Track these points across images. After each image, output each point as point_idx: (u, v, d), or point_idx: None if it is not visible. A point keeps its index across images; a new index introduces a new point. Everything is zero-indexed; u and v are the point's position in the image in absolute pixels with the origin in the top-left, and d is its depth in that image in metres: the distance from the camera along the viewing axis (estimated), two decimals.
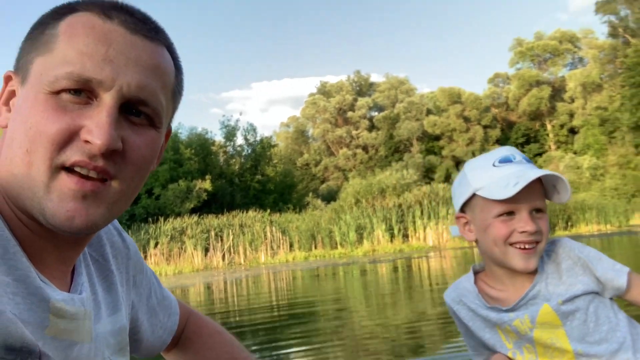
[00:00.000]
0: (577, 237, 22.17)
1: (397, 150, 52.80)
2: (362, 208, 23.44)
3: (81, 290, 0.79)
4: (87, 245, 0.85)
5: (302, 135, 59.10)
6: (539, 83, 50.92)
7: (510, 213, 1.32)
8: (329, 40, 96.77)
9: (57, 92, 0.70)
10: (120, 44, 0.72)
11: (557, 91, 51.21)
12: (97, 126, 0.69)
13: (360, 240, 22.20)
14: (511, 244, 1.32)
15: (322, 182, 52.04)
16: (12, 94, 0.75)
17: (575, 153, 43.58)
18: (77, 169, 0.70)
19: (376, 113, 57.14)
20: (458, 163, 51.39)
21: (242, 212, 24.97)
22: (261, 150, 31.97)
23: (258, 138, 32.79)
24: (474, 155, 42.56)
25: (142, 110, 0.75)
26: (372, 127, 55.39)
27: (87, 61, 0.70)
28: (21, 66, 0.74)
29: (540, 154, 48.93)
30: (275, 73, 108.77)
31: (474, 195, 1.37)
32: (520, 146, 50.06)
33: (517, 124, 52.13)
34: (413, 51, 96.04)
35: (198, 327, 1.17)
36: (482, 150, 49.85)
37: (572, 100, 49.15)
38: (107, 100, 0.70)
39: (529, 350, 1.37)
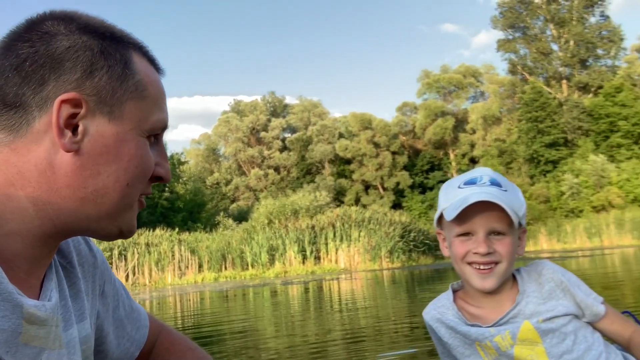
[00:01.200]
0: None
1: (309, 172, 53.19)
2: (275, 229, 23.27)
3: (50, 296, 0.80)
4: (55, 253, 0.87)
5: (213, 154, 58.17)
6: (443, 114, 53.32)
7: (468, 234, 1.37)
8: (243, 60, 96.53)
9: (147, 136, 0.83)
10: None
11: (460, 122, 53.86)
12: (166, 168, 0.88)
13: (272, 261, 21.98)
14: (469, 264, 1.37)
15: (233, 201, 51.32)
16: (73, 117, 0.76)
17: None
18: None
19: (289, 134, 57.41)
20: (367, 187, 52.55)
21: (149, 231, 24.06)
22: (170, 167, 31.00)
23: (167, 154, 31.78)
24: (382, 180, 43.59)
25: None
26: (284, 148, 55.52)
27: (165, 112, 0.87)
28: (104, 99, 0.78)
29: (443, 181, 50.52)
30: (185, 89, 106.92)
31: (441, 214, 1.43)
32: (425, 173, 52.11)
33: (422, 152, 54.17)
34: (327, 76, 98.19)
35: (170, 343, 1.15)
36: (390, 175, 51.34)
37: (474, 132, 51.83)
38: (162, 139, 0.89)
39: None
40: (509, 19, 49.77)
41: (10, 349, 0.67)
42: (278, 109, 60.24)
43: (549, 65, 48.44)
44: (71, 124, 0.76)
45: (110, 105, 0.78)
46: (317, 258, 22.28)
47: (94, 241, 1.04)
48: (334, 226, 22.32)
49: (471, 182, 1.40)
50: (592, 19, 47.93)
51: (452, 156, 53.68)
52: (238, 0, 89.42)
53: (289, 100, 62.39)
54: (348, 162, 52.91)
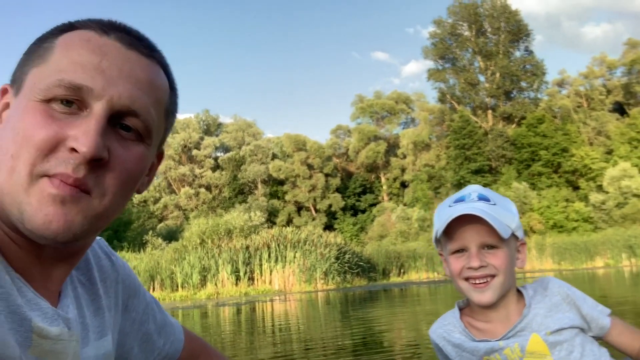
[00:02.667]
0: (408, 284, 23.61)
1: (241, 192, 52.65)
2: (208, 248, 22.74)
3: (67, 311, 0.78)
4: (74, 269, 0.85)
5: None
6: (376, 138, 54.44)
7: (462, 250, 1.38)
8: (178, 76, 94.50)
9: (48, 101, 0.70)
10: (115, 56, 0.73)
11: (392, 147, 55.13)
12: (84, 134, 0.68)
13: (203, 282, 21.44)
14: (465, 279, 1.38)
15: (160, 220, 49.85)
16: (6, 106, 0.75)
17: (405, 205, 46.82)
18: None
19: (222, 153, 56.74)
20: (300, 208, 52.56)
21: None
22: None
23: None
24: (315, 201, 43.60)
25: (131, 124, 0.74)
26: (217, 167, 54.77)
27: (79, 69, 0.70)
28: (16, 78, 0.75)
29: (374, 204, 51.88)
30: None
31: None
32: (357, 195, 52.77)
33: (355, 175, 54.93)
34: (262, 97, 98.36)
35: None
36: (323, 197, 51.62)
37: (404, 157, 53.16)
38: (97, 109, 0.70)
39: None
40: (439, 49, 51.79)
41: None
42: (211, 128, 59.52)
43: (476, 95, 50.66)
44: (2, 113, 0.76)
45: (19, 82, 0.74)
46: (251, 279, 21.93)
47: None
48: (269, 247, 22.06)
49: (460, 200, 1.43)
50: (517, 53, 50.78)
51: (383, 180, 54.73)
52: (173, 16, 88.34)
53: (223, 119, 61.83)
54: (281, 182, 52.84)
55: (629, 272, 24.01)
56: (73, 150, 0.68)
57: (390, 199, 52.97)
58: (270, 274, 21.56)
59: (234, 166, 53.16)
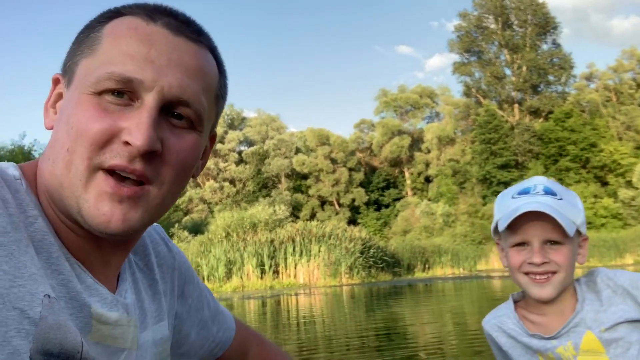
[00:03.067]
0: (433, 279, 23.47)
1: (265, 186, 52.85)
2: (233, 242, 22.86)
3: (125, 296, 0.80)
4: (132, 253, 0.87)
5: None
6: (400, 132, 54.12)
7: (524, 244, 1.36)
8: None
9: (100, 93, 0.69)
10: (163, 45, 0.72)
11: (416, 141, 54.76)
12: (137, 127, 0.68)
13: (229, 275, 21.58)
14: (525, 273, 1.36)
15: (186, 213, 50.37)
16: (60, 96, 0.75)
17: (429, 200, 46.54)
18: (116, 172, 0.69)
19: (246, 147, 57.01)
20: (323, 203, 52.59)
21: None
22: None
23: None
24: (338, 196, 43.63)
25: (183, 113, 0.73)
26: (240, 161, 55.06)
27: (128, 61, 0.69)
28: (67, 69, 0.74)
29: (398, 199, 51.66)
30: None
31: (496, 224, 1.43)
32: (381, 190, 52.59)
33: (379, 169, 54.73)
34: (285, 91, 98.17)
35: (264, 358, 1.15)
36: (346, 191, 51.56)
37: (429, 151, 52.75)
38: (148, 101, 0.70)
39: None
40: (465, 42, 51.18)
41: (83, 346, 0.67)
42: (235, 122, 59.81)
43: (502, 89, 49.97)
44: (56, 103, 0.76)
45: (70, 73, 0.73)
46: (276, 272, 22.02)
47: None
48: (293, 241, 22.09)
49: (524, 192, 1.40)
50: (545, 46, 49.93)
51: (407, 174, 54.43)
52: (197, 8, 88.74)
53: (247, 113, 62.05)
54: (305, 177, 52.89)
55: None
56: (127, 143, 0.68)
57: (414, 193, 52.68)
58: (295, 268, 21.61)
59: (257, 160, 53.38)
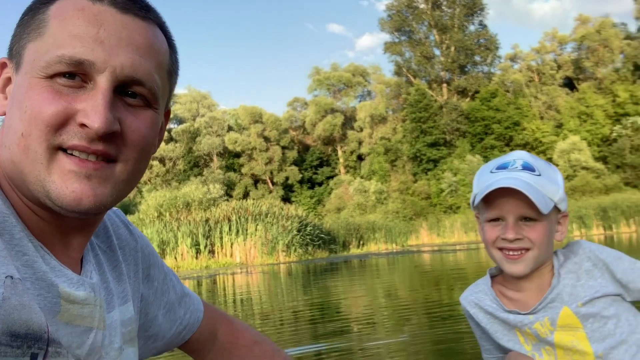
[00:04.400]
0: (368, 255, 23.89)
1: (196, 165, 51.81)
2: (166, 222, 22.29)
3: (91, 276, 0.79)
4: (94, 236, 0.88)
5: None
6: (333, 111, 54.33)
7: (499, 219, 1.35)
8: None
9: (51, 77, 0.69)
10: (111, 24, 0.70)
11: (349, 120, 55.18)
12: (92, 109, 0.68)
13: (162, 255, 21.05)
14: (499, 249, 1.36)
15: None
16: (8, 81, 0.74)
17: (362, 178, 47.16)
18: (76, 154, 0.69)
19: (176, 125, 55.53)
20: (257, 181, 52.22)
21: None
22: None
23: None
24: (272, 174, 43.35)
25: (137, 92, 0.73)
26: (170, 139, 53.61)
27: (77, 43, 0.68)
28: (14, 53, 0.73)
29: (331, 177, 52.08)
30: None
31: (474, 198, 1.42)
32: (314, 168, 52.80)
33: (312, 148, 54.85)
34: (217, 68, 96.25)
35: (234, 336, 1.13)
36: (280, 170, 51.41)
37: (361, 129, 53.31)
38: (101, 82, 0.69)
39: (549, 353, 1.37)
40: (396, 22, 51.73)
41: (50, 326, 0.67)
42: None
43: (431, 69, 51.05)
44: (5, 88, 0.75)
45: (18, 57, 0.72)
46: (212, 252, 21.68)
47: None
48: (229, 219, 21.79)
49: (503, 167, 1.39)
50: (472, 27, 51.24)
51: (340, 152, 54.87)
52: None
53: (177, 90, 60.19)
54: (237, 155, 52.26)
55: None
56: (83, 125, 0.68)
57: (347, 171, 53.22)
58: (232, 247, 21.35)
59: (188, 138, 52.16)
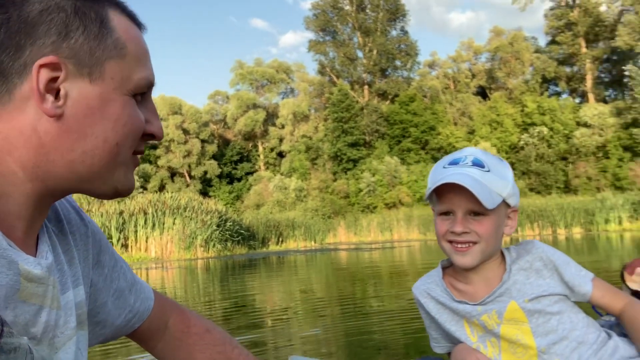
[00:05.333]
0: (287, 252, 24.03)
1: None
2: None
3: (46, 256, 0.81)
4: (47, 220, 0.89)
5: None
6: (255, 106, 53.98)
7: (449, 213, 1.41)
8: None
9: (134, 95, 0.83)
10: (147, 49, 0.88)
11: (271, 116, 55.04)
12: (155, 122, 0.87)
13: None
14: (449, 242, 1.41)
15: None
16: (54, 81, 0.75)
17: (282, 174, 47.25)
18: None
19: None
20: (173, 174, 51.01)
21: None
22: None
23: None
24: (189, 167, 42.33)
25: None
26: None
27: (149, 66, 0.86)
28: (83, 61, 0.77)
29: (251, 173, 51.80)
30: None
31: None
32: (234, 164, 52.30)
33: (232, 142, 54.28)
34: None
35: (185, 325, 1.15)
36: (199, 163, 50.52)
37: (283, 127, 53.31)
38: (148, 97, 0.87)
39: (493, 345, 1.42)
40: (321, 21, 52.18)
41: (9, 304, 0.69)
42: None
43: (354, 70, 51.89)
44: (53, 89, 0.75)
45: (90, 66, 0.77)
46: (125, 246, 20.94)
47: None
48: (145, 212, 21.15)
49: (454, 162, 1.44)
50: (394, 32, 52.55)
51: (260, 148, 54.65)
52: None
53: None
54: (154, 147, 50.78)
55: None
56: (152, 135, 0.86)
57: (267, 168, 53.12)
58: (147, 241, 20.74)
59: None
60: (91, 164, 0.79)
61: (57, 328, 0.79)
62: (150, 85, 0.84)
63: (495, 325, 1.40)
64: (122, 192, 0.84)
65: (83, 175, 0.79)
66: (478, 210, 1.37)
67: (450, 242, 1.41)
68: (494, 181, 1.38)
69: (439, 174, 1.43)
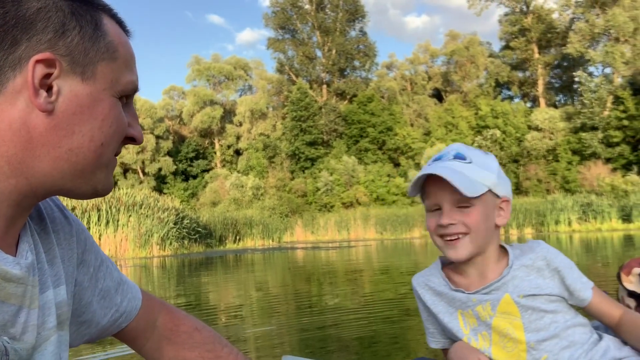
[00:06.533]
0: (244, 251, 23.93)
1: None
2: None
3: (26, 256, 0.81)
4: (29, 218, 0.88)
5: None
6: (212, 103, 53.42)
7: (437, 208, 1.42)
8: None
9: (120, 97, 0.85)
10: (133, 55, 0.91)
11: (228, 113, 54.55)
12: (137, 126, 0.89)
13: None
14: (440, 236, 1.42)
15: None
16: (48, 77, 0.77)
17: (239, 172, 46.94)
18: None
19: None
20: (126, 170, 49.98)
21: None
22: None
23: None
24: (143, 164, 41.18)
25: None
26: None
27: (135, 73, 0.88)
28: (77, 60, 0.79)
29: (207, 170, 51.23)
30: None
31: None
32: (190, 161, 51.61)
33: (188, 139, 53.55)
34: None
35: (174, 324, 1.15)
36: (153, 160, 49.64)
37: (240, 124, 52.93)
38: (131, 102, 0.89)
39: (484, 338, 1.42)
40: (280, 19, 52.07)
41: None
42: None
43: (312, 69, 52.02)
44: (45, 84, 0.76)
45: (83, 66, 0.79)
46: None
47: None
48: (98, 209, 20.62)
49: (437, 159, 1.45)
50: (353, 33, 52.92)
51: (217, 146, 54.10)
52: None
53: None
54: None
55: None
56: (132, 138, 0.88)
57: (224, 165, 52.62)
58: (100, 239, 20.22)
59: None
60: (76, 161, 0.79)
61: (35, 328, 0.79)
62: (135, 89, 0.87)
63: (488, 317, 1.41)
64: (101, 193, 0.85)
65: (66, 173, 0.79)
66: (463, 201, 1.38)
67: (441, 236, 1.41)
68: (476, 171, 1.40)
69: (422, 170, 1.43)
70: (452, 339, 1.51)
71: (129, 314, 1.08)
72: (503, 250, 1.47)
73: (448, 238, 1.40)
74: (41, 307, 0.81)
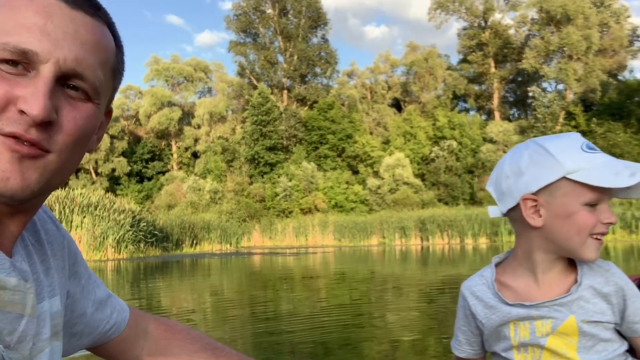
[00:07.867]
0: (201, 255, 23.67)
1: None
2: None
3: (22, 264, 0.79)
4: (24, 229, 0.84)
5: None
6: (170, 104, 52.68)
7: (595, 203, 1.24)
8: None
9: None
10: (59, 17, 0.72)
11: (186, 115, 53.90)
12: (32, 96, 0.69)
13: None
14: (598, 234, 1.25)
15: None
16: None
17: (196, 175, 46.40)
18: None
19: None
20: (78, 170, 48.70)
21: None
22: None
23: None
24: (96, 164, 40.30)
25: (78, 85, 0.74)
26: None
27: (24, 33, 0.70)
28: None
29: (163, 172, 50.43)
30: None
31: (561, 178, 1.23)
32: (145, 162, 50.71)
33: (144, 140, 52.63)
34: None
35: (168, 326, 1.16)
36: (106, 160, 48.56)
37: (199, 127, 52.36)
38: (44, 72, 0.70)
39: (534, 353, 1.33)
40: (242, 22, 51.86)
41: None
42: None
43: (274, 74, 51.96)
44: None
45: None
46: None
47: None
48: (51, 209, 20.04)
49: (593, 148, 1.25)
50: (315, 40, 53.18)
51: (174, 148, 53.33)
52: None
53: None
54: None
55: (399, 250, 27.09)
56: (22, 112, 0.68)
57: (180, 168, 51.91)
58: None
59: None
60: None
61: (32, 339, 0.77)
62: (18, 51, 0.69)
63: (545, 334, 1.31)
64: None
65: None
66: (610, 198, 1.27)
67: (599, 234, 1.25)
68: None
69: (590, 157, 1.22)
70: (489, 350, 1.42)
71: (119, 325, 1.08)
72: (570, 261, 1.34)
73: (601, 237, 1.25)
74: (38, 317, 0.79)
